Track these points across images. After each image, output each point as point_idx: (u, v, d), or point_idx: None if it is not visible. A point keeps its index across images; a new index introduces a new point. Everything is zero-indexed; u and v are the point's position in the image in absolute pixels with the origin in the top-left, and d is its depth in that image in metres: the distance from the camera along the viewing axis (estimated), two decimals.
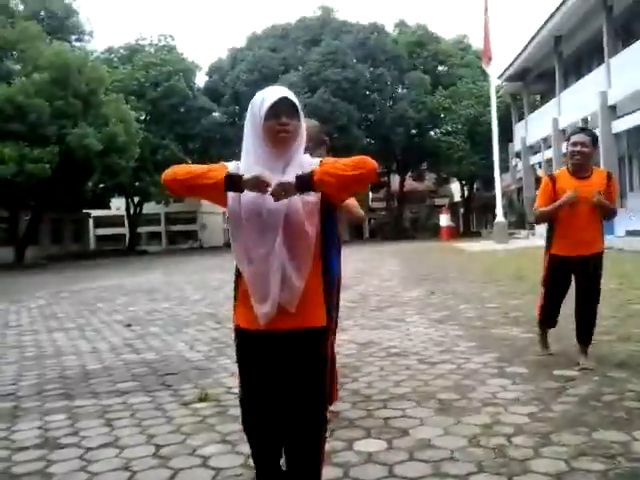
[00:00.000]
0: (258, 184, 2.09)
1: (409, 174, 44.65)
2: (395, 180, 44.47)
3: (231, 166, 2.24)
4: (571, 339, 4.80)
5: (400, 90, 39.68)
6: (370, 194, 49.98)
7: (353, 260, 16.47)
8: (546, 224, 4.69)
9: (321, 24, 40.15)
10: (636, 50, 19.36)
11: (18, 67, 26.34)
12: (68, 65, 24.26)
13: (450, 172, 41.99)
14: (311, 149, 3.00)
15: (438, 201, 50.71)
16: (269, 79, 35.98)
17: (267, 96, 2.17)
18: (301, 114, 2.22)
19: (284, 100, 2.16)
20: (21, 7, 30.47)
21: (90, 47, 34.66)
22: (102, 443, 3.44)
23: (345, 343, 5.62)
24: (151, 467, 3.06)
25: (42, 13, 30.61)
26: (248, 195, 2.16)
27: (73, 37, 32.61)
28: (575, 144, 4.34)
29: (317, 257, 2.26)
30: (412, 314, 7.39)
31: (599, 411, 3.49)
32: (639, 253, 12.19)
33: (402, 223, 44.18)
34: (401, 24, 43.16)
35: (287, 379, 2.32)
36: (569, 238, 4.44)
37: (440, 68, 42.26)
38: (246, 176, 2.11)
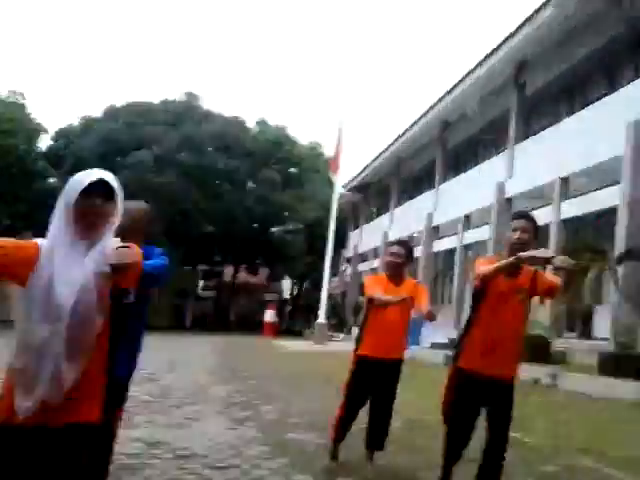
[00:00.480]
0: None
1: (244, 266, 44.86)
2: (229, 271, 44.39)
3: (42, 242, 2.15)
4: (358, 448, 4.89)
5: (251, 184, 40.43)
6: (201, 282, 49.27)
7: (167, 349, 15.84)
8: (358, 326, 4.95)
9: (184, 109, 40.30)
10: (460, 180, 22.01)
11: None
12: None
13: (284, 269, 42.92)
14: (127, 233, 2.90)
15: (268, 296, 51.23)
16: (120, 153, 35.11)
17: (83, 178, 2.13)
18: (118, 199, 2.19)
19: (100, 182, 2.13)
20: None
21: None
22: None
23: (131, 442, 5.24)
24: None
25: None
26: (42, 279, 2.06)
27: None
28: (392, 254, 4.79)
29: (100, 351, 2.17)
30: (214, 412, 7.20)
31: None
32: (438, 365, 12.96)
33: (229, 315, 43.80)
34: (262, 123, 44.52)
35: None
36: (378, 338, 4.65)
37: (292, 170, 43.87)
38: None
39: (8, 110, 35.55)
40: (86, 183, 2.11)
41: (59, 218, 2.15)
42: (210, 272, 46.16)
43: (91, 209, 2.12)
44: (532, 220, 3.77)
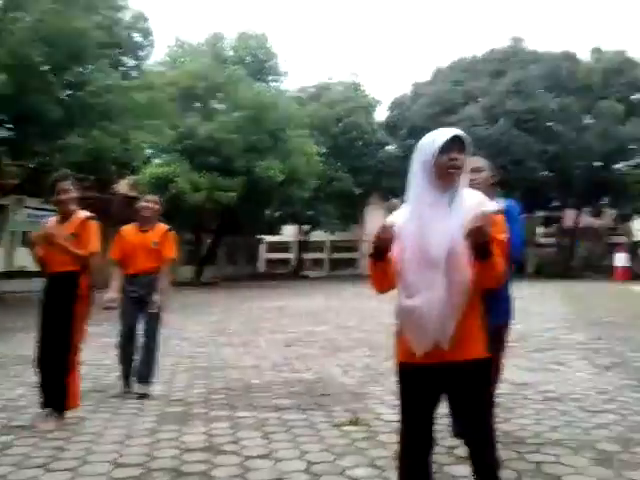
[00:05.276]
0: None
1: (586, 209, 41.81)
2: (569, 215, 41.91)
3: (391, 219, 2.42)
4: None
5: (587, 120, 37.45)
6: (540, 229, 47.58)
7: (519, 297, 15.75)
8: None
9: (509, 55, 39.31)
10: None
11: (223, 106, 29.04)
12: (264, 105, 26.30)
13: (633, 208, 38.72)
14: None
15: (616, 239, 46.98)
16: (449, 112, 35.79)
17: (439, 136, 2.31)
18: (468, 151, 2.33)
19: (455, 138, 2.30)
20: (231, 53, 33.80)
21: (283, 87, 37.18)
22: (260, 454, 3.69)
23: (499, 382, 5.45)
24: None
25: (248, 58, 33.57)
26: (413, 235, 2.29)
27: (270, 77, 35.28)
28: None
29: (475, 296, 2.34)
30: (575, 359, 6.98)
31: None
32: None
33: (572, 261, 41.48)
34: (597, 51, 40.85)
35: (453, 408, 2.41)
36: None
37: (636, 96, 39.18)
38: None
39: (347, 90, 39.26)
40: (443, 141, 2.27)
41: (419, 177, 2.32)
42: (549, 218, 44.20)
43: (451, 163, 2.27)
44: None
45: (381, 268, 2.37)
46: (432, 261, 2.24)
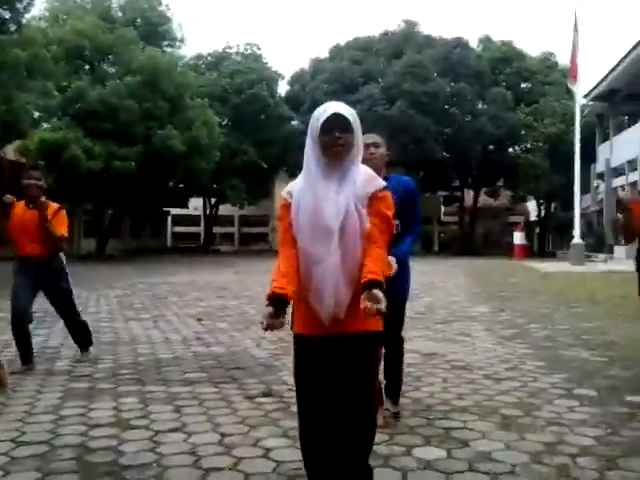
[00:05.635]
0: None
1: (484, 190, 43.74)
2: (469, 195, 43.69)
3: (288, 188, 2.40)
4: None
5: (480, 105, 39.00)
6: (442, 207, 49.34)
7: (420, 272, 16.32)
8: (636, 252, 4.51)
9: (404, 38, 40.04)
10: None
11: (113, 70, 27.76)
12: (158, 69, 25.35)
13: (527, 190, 40.92)
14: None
15: (513, 219, 49.49)
16: (349, 90, 36.16)
17: (322, 112, 2.29)
18: (355, 128, 2.30)
19: (337, 115, 2.26)
20: (120, 14, 32.04)
21: (180, 53, 35.91)
22: (171, 427, 3.60)
23: (409, 352, 5.58)
24: (216, 453, 3.19)
25: (138, 20, 32.00)
26: (305, 200, 2.29)
27: (165, 43, 33.87)
28: None
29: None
30: (479, 330, 7.30)
31: None
32: None
33: (473, 239, 43.31)
34: (486, 40, 42.48)
35: (339, 381, 2.37)
36: None
37: (523, 85, 41.25)
38: None
39: (247, 61, 38.55)
40: (323, 119, 2.25)
41: (310, 151, 2.32)
42: (451, 197, 45.92)
43: (331, 141, 2.25)
44: None
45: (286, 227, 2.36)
46: (326, 233, 2.24)
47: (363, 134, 3.83)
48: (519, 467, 2.98)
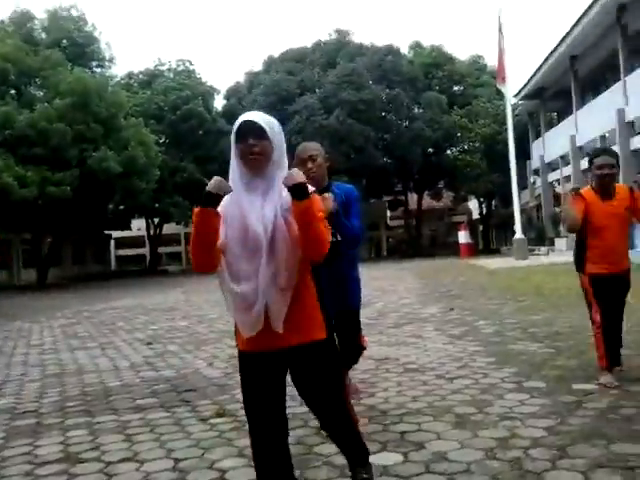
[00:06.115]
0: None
1: (426, 192, 44.59)
2: (413, 198, 44.45)
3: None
4: (590, 353, 4.78)
5: (416, 110, 39.77)
6: (388, 212, 49.98)
7: (371, 278, 16.46)
8: (574, 246, 4.62)
9: (337, 47, 40.59)
10: None
11: (41, 93, 27.05)
12: (88, 91, 24.85)
13: (468, 190, 41.92)
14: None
15: (456, 218, 50.60)
16: (285, 101, 36.32)
17: (238, 121, 2.27)
18: (273, 135, 2.26)
19: (250, 122, 2.24)
20: (44, 35, 31.26)
21: (110, 73, 35.28)
22: (122, 457, 3.49)
23: (362, 359, 5.59)
24: None
25: (64, 41, 31.29)
26: (233, 215, 2.25)
27: (94, 63, 33.27)
28: (602, 167, 4.27)
29: (306, 281, 2.34)
30: (430, 330, 7.39)
31: (617, 424, 3.46)
32: None
33: (420, 241, 44.05)
34: (416, 45, 43.45)
35: (304, 391, 2.40)
36: (603, 256, 4.35)
37: (455, 88, 42.40)
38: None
39: (180, 78, 38.24)
40: (236, 127, 2.24)
41: (234, 166, 2.30)
42: (395, 202, 46.64)
43: (246, 149, 2.23)
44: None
45: (206, 226, 2.22)
46: (255, 248, 2.22)
47: (299, 144, 3.88)
48: (474, 465, 3.01)
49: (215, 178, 2.21)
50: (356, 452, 2.56)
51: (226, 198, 2.27)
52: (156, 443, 3.71)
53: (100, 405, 4.74)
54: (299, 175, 2.17)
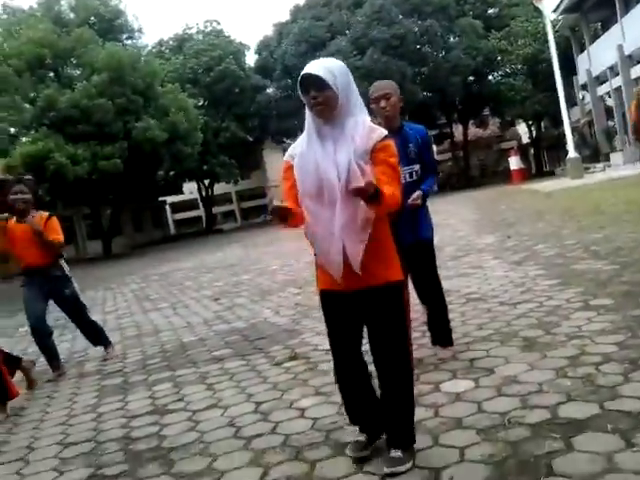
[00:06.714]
0: None
1: (471, 122, 43.41)
2: (458, 130, 43.40)
3: (290, 152, 2.47)
4: None
5: (452, 39, 38.40)
6: (434, 147, 49.07)
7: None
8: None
9: None
10: None
11: (78, 72, 27.47)
12: (122, 64, 25.18)
13: (514, 114, 40.59)
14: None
15: (505, 145, 49.22)
16: (317, 48, 35.62)
17: (301, 74, 2.32)
18: (336, 84, 2.30)
19: (309, 75, 2.29)
20: (72, 15, 31.52)
21: (141, 43, 35.52)
22: (207, 405, 3.70)
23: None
24: (254, 422, 3.28)
25: (92, 18, 31.51)
26: (307, 161, 2.35)
27: (124, 36, 33.54)
28: None
29: (382, 221, 2.39)
30: (489, 260, 7.36)
31: None
32: None
33: (470, 172, 43.22)
34: None
35: (370, 331, 2.48)
36: None
37: (490, 11, 40.60)
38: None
39: (209, 38, 38.01)
40: (299, 81, 2.31)
41: (307, 114, 2.38)
42: (440, 135, 45.63)
43: (309, 101, 2.31)
44: None
45: (290, 220, 2.35)
46: (330, 193, 2.29)
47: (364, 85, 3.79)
48: (545, 384, 3.04)
49: (272, 206, 2.28)
50: (401, 432, 2.46)
51: (300, 144, 2.41)
52: (236, 389, 3.91)
53: (179, 360, 4.99)
54: (358, 180, 2.20)
